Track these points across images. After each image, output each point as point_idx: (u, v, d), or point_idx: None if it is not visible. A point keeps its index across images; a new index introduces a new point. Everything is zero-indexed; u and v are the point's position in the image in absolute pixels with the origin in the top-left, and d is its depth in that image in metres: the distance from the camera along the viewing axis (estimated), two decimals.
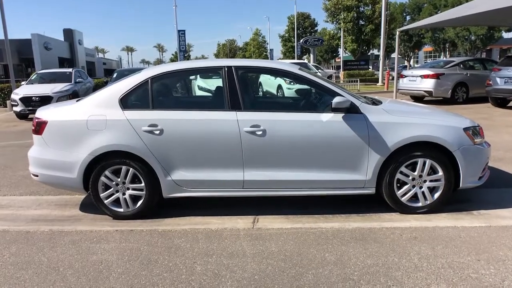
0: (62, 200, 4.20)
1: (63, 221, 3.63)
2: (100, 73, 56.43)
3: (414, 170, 3.44)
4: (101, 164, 3.51)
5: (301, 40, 33.32)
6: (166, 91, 3.70)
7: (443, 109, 4.16)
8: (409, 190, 3.49)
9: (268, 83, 6.08)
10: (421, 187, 3.48)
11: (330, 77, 26.57)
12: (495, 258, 2.63)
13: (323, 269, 2.55)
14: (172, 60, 33.96)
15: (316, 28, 48.88)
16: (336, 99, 3.30)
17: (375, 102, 3.83)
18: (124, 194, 3.58)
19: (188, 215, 3.64)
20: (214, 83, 4.06)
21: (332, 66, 56.75)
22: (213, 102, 3.55)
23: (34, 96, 11.08)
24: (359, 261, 2.65)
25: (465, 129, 3.47)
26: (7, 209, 4.01)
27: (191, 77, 3.74)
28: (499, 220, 3.29)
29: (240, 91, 3.51)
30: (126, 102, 3.56)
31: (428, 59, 54.99)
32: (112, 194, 3.58)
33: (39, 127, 3.63)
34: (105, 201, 3.59)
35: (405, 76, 12.46)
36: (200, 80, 5.84)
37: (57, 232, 3.35)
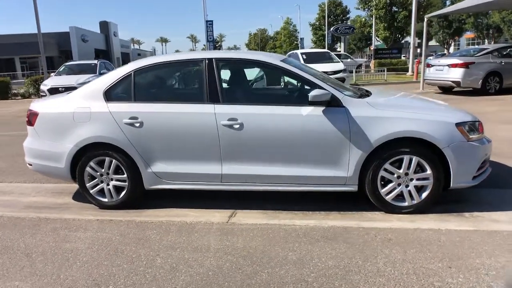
0: (59, 188, 4.37)
1: (53, 208, 3.78)
2: None
3: (399, 168, 3.25)
4: (86, 155, 3.61)
5: (332, 28, 32.39)
6: (148, 84, 3.71)
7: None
8: (394, 189, 3.32)
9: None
10: (407, 186, 3.30)
11: (359, 66, 25.77)
12: (469, 266, 2.44)
13: (280, 269, 2.49)
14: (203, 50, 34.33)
15: (348, 16, 47.30)
16: (313, 92, 3.17)
17: (364, 95, 3.65)
18: (108, 184, 3.66)
19: (170, 207, 3.67)
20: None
21: (367, 55, 54.94)
22: (194, 94, 3.52)
23: (60, 87, 11.58)
24: (320, 262, 2.56)
25: (458, 125, 3.23)
26: (8, 195, 4.23)
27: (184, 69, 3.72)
28: (490, 224, 3.05)
29: (219, 83, 3.45)
30: (110, 94, 3.61)
31: (470, 46, 51.88)
32: (97, 184, 3.68)
33: (32, 118, 3.78)
34: (91, 191, 3.69)
35: (432, 66, 11.81)
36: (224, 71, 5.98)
37: (43, 219, 3.50)
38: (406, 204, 3.32)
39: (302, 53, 14.60)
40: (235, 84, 3.66)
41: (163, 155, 3.51)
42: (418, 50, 24.92)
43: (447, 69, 11.16)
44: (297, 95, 3.39)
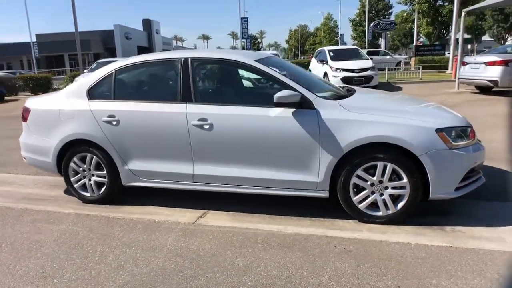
0: (56, 181, 4.59)
1: (42, 200, 3.98)
2: None
3: (373, 175, 3.07)
4: (70, 151, 3.75)
5: (372, 24, 31.28)
6: (127, 83, 3.78)
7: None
8: (368, 197, 3.13)
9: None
10: (381, 194, 3.10)
11: (398, 63, 24.65)
12: (420, 287, 2.25)
13: (220, 274, 2.43)
14: (242, 48, 34.52)
15: (390, 11, 45.34)
16: (279, 93, 3.05)
17: (347, 96, 3.48)
18: (90, 180, 3.79)
19: (149, 205, 3.73)
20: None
21: (412, 51, 52.55)
22: (169, 94, 3.53)
23: None
24: (265, 270, 2.47)
25: (439, 130, 2.97)
26: (9, 185, 4.51)
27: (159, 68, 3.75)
28: (468, 241, 2.79)
29: (193, 83, 3.44)
30: (93, 93, 3.72)
31: None
32: (81, 179, 3.82)
33: (25, 114, 3.99)
34: (75, 185, 3.84)
35: (467, 64, 11.01)
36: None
37: (29, 210, 3.69)
38: (380, 213, 3.13)
39: (329, 50, 14.22)
40: (208, 84, 3.63)
41: (138, 153, 3.56)
42: (469, 46, 23.30)
43: (483, 67, 10.35)
44: (270, 96, 3.28)
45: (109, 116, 3.56)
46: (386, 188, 3.08)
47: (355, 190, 3.14)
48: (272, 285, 2.31)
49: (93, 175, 3.76)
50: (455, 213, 3.26)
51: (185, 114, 3.37)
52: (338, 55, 13.79)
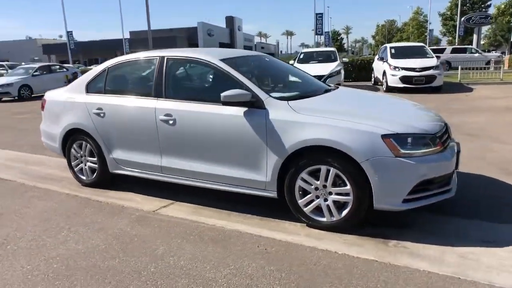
0: None
1: (51, 180, 4.58)
2: None
3: (318, 179, 2.96)
4: (71, 138, 4.28)
5: (463, 18, 28.34)
6: (115, 79, 4.13)
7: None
8: (312, 200, 3.04)
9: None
10: (326, 200, 2.98)
11: (488, 62, 21.97)
12: None
13: (135, 258, 2.64)
14: (317, 44, 34.06)
15: (489, 3, 40.23)
16: (226, 92, 3.10)
17: (309, 96, 3.39)
18: (85, 165, 4.27)
19: (131, 191, 4.06)
20: None
21: (507, 49, 46.20)
22: (146, 90, 3.78)
23: None
24: (175, 260, 2.60)
25: (386, 136, 2.75)
26: (37, 165, 5.25)
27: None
28: (402, 258, 2.56)
29: (165, 80, 3.66)
30: (89, 87, 4.18)
31: None
32: (79, 164, 4.33)
33: (43, 104, 4.64)
34: (75, 169, 4.36)
35: None
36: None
37: (34, 188, 4.29)
38: (324, 219, 3.01)
39: (391, 47, 13.39)
40: (176, 81, 3.79)
41: (119, 144, 3.91)
42: None
43: None
44: None
45: (98, 109, 3.98)
46: (330, 193, 2.95)
47: (300, 192, 3.07)
48: (170, 274, 2.43)
49: (87, 161, 4.23)
50: (412, 227, 2.98)
51: (154, 109, 3.61)
52: (400, 53, 12.92)
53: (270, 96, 3.19)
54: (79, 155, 4.28)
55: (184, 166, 3.54)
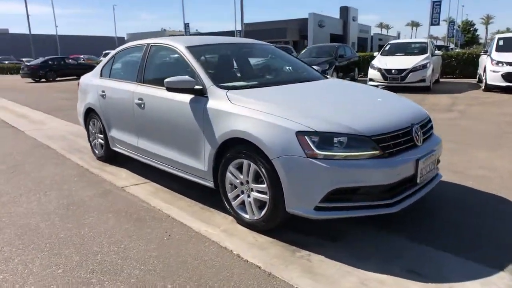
0: None
1: (79, 152, 5.25)
2: (375, 49, 56.42)
3: (242, 173, 2.81)
4: (89, 115, 4.87)
5: None
6: (118, 65, 4.51)
7: None
8: (239, 195, 2.90)
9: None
10: (249, 196, 2.81)
11: None
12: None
13: (55, 225, 2.94)
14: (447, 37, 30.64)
15: None
16: (169, 79, 3.13)
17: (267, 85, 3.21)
18: (97, 140, 4.81)
19: (126, 168, 4.44)
20: None
21: None
22: (133, 75, 4.02)
23: None
24: (84, 232, 2.81)
25: (301, 133, 2.44)
26: (82, 139, 6.08)
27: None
28: (289, 271, 2.27)
29: (146, 66, 3.88)
30: (102, 72, 4.68)
31: None
32: (94, 140, 4.90)
33: (78, 85, 5.35)
34: (91, 143, 4.96)
35: None
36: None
37: (60, 156, 5.03)
38: (247, 217, 2.85)
39: (500, 38, 11.25)
40: (152, 67, 3.90)
41: (114, 124, 4.31)
42: None
43: None
44: None
45: (102, 91, 4.44)
46: (252, 190, 2.77)
47: (231, 185, 2.95)
48: (63, 239, 2.67)
49: (97, 137, 4.77)
50: (343, 241, 2.61)
51: (132, 93, 3.87)
52: (510, 45, 10.79)
53: (214, 85, 3.11)
54: (93, 131, 4.85)
55: (152, 149, 3.72)
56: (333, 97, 3.17)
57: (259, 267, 2.31)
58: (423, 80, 10.76)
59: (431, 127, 3.09)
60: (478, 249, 2.45)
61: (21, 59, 33.78)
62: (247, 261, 2.39)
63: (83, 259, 2.42)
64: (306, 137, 2.43)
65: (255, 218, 2.79)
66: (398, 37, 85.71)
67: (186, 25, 35.05)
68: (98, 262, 2.39)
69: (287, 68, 4.11)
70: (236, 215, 2.94)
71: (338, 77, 13.38)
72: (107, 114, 4.38)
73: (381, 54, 12.32)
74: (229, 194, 2.96)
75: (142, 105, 3.70)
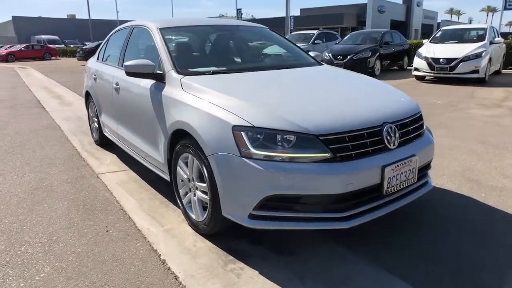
0: None
1: (82, 134, 5.30)
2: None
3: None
4: (88, 99, 4.86)
5: None
6: (109, 48, 4.37)
7: None
8: (187, 193, 2.63)
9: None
10: (195, 195, 2.53)
11: None
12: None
13: (17, 204, 2.89)
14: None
15: None
16: (127, 62, 2.89)
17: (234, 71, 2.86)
18: (94, 124, 4.80)
19: (115, 154, 4.37)
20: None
21: None
22: (117, 58, 3.88)
23: None
24: (33, 216, 2.73)
25: (237, 129, 2.09)
26: None
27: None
28: (200, 284, 1.98)
29: (127, 49, 3.71)
30: (98, 55, 4.61)
31: None
32: (93, 123, 4.89)
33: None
34: (91, 127, 4.97)
35: None
36: None
37: (63, 137, 5.11)
38: (194, 217, 2.57)
39: None
40: (130, 50, 3.68)
41: (102, 108, 4.23)
42: None
43: None
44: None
45: (94, 74, 4.37)
46: (197, 188, 2.49)
47: (182, 181, 2.69)
48: (3, 225, 2.61)
49: (94, 121, 4.75)
50: (295, 255, 2.24)
51: (113, 78, 3.73)
52: None
53: (173, 69, 2.83)
54: (91, 115, 4.84)
55: (126, 136, 3.56)
56: (303, 87, 2.74)
57: (177, 278, 2.04)
58: (476, 71, 9.53)
59: (420, 126, 2.55)
60: None
61: (85, 43, 35.98)
62: (169, 269, 2.13)
63: (7, 249, 2.33)
64: (242, 133, 2.08)
65: (199, 219, 2.50)
66: (470, 23, 78.75)
67: (239, 11, 34.93)
68: (19, 253, 2.28)
69: (274, 53, 3.71)
70: (185, 213, 2.68)
71: (382, 65, 12.41)
72: (97, 99, 4.31)
73: (430, 41, 11.15)
74: (180, 190, 2.71)
75: (118, 90, 3.55)
